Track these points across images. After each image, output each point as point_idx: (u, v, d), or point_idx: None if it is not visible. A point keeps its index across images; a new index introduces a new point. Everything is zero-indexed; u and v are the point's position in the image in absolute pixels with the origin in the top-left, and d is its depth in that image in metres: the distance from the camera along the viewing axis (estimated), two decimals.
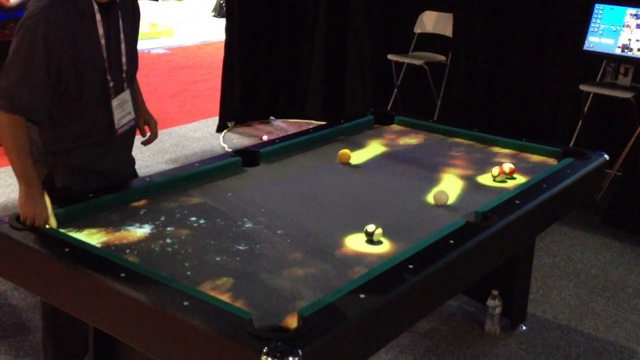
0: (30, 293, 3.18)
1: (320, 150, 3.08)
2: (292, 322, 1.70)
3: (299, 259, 2.06)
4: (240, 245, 2.13)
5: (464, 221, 2.27)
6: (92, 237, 2.13)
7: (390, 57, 5.48)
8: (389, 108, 5.53)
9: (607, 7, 4.45)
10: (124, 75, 2.39)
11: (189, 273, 1.95)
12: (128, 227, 2.21)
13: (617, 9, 4.40)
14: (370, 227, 2.18)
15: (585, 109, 4.61)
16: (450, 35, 5.20)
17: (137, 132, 2.61)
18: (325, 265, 2.03)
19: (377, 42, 5.73)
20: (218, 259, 2.04)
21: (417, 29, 5.49)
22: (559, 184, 2.62)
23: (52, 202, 2.19)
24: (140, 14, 2.53)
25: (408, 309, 1.94)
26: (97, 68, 2.29)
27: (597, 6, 4.48)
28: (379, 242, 2.18)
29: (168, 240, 2.14)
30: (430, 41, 5.48)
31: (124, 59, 2.37)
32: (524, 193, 2.52)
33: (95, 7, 2.25)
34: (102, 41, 2.28)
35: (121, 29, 2.35)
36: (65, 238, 2.05)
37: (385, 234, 2.20)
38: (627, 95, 4.30)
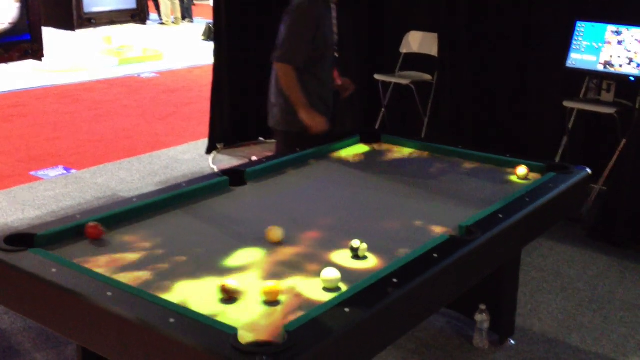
0: (19, 316, 3.18)
1: (307, 169, 3.11)
2: (278, 336, 1.72)
3: (285, 275, 2.08)
4: (227, 263, 2.15)
5: (448, 235, 2.30)
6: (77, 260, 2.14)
7: (377, 77, 5.54)
8: (377, 127, 5.58)
9: (589, 24, 4.52)
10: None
11: (174, 289, 1.96)
12: (113, 248, 2.23)
13: (598, 26, 4.48)
14: (356, 243, 2.21)
15: (570, 125, 4.67)
16: (436, 55, 5.26)
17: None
18: (311, 281, 2.05)
19: (364, 62, 5.79)
20: (206, 277, 2.06)
21: (403, 49, 5.56)
22: (542, 197, 2.66)
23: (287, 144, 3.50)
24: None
25: (393, 322, 1.96)
26: (330, 42, 3.55)
27: (578, 24, 4.55)
28: (364, 257, 2.21)
29: (156, 260, 2.16)
30: (416, 61, 5.54)
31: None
32: (507, 207, 2.55)
33: (333, 5, 3.58)
34: (334, 28, 3.58)
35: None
36: (52, 259, 2.06)
37: (370, 249, 2.23)
38: (610, 110, 4.36)
